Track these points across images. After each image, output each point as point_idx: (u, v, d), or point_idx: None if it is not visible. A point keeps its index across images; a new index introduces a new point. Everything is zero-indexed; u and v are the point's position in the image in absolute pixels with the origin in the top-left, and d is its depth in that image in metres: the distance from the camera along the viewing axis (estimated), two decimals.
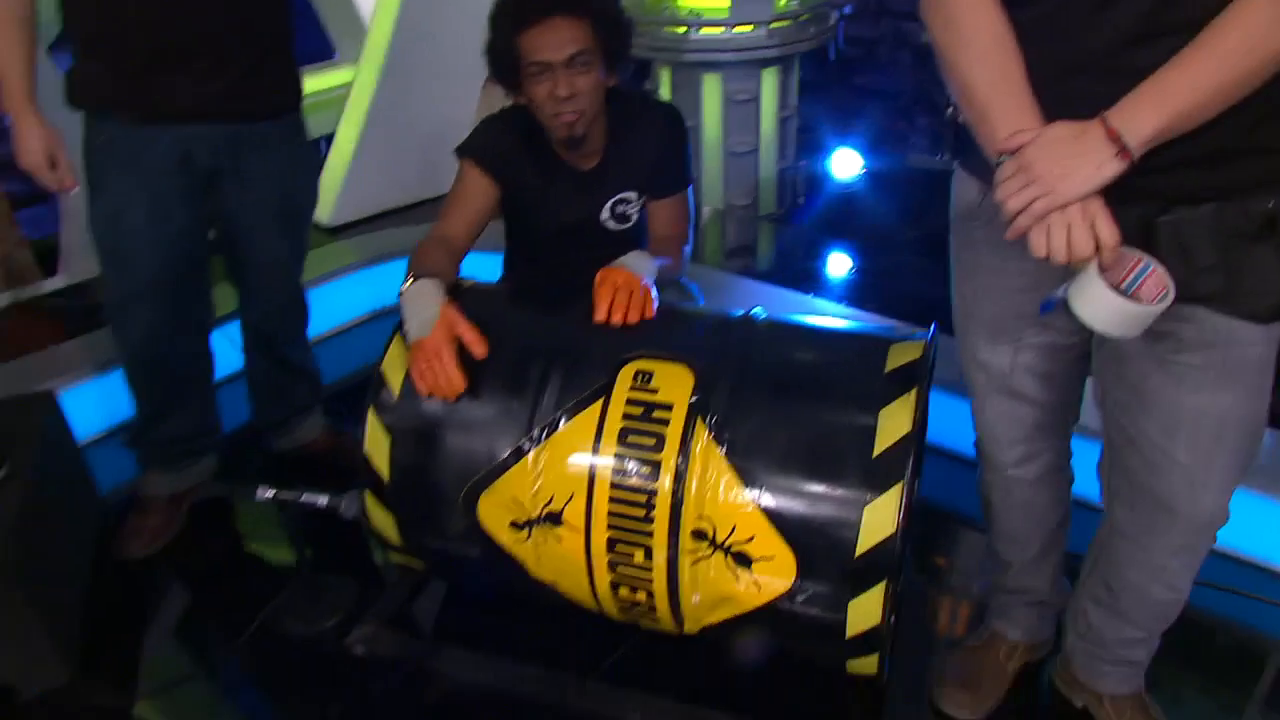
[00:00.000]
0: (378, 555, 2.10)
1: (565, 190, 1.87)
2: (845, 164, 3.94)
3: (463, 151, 1.85)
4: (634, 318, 1.57)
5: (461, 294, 1.66)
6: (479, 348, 1.51)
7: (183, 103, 1.83)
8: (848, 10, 4.61)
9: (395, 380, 1.61)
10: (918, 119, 4.68)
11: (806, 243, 3.65)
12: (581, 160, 1.85)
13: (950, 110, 1.21)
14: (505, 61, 1.72)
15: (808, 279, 3.29)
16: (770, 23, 3.11)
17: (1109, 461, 1.37)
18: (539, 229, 1.93)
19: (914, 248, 3.41)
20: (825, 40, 3.49)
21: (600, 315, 1.57)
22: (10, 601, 1.65)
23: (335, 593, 1.97)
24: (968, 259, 1.36)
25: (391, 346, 1.64)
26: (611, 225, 1.92)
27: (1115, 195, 1.01)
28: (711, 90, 3.35)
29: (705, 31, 3.16)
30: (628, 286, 1.60)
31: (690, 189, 1.96)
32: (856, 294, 3.25)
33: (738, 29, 3.12)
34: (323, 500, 1.80)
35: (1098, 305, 1.02)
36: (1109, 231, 1.01)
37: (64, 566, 1.93)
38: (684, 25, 3.18)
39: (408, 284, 1.58)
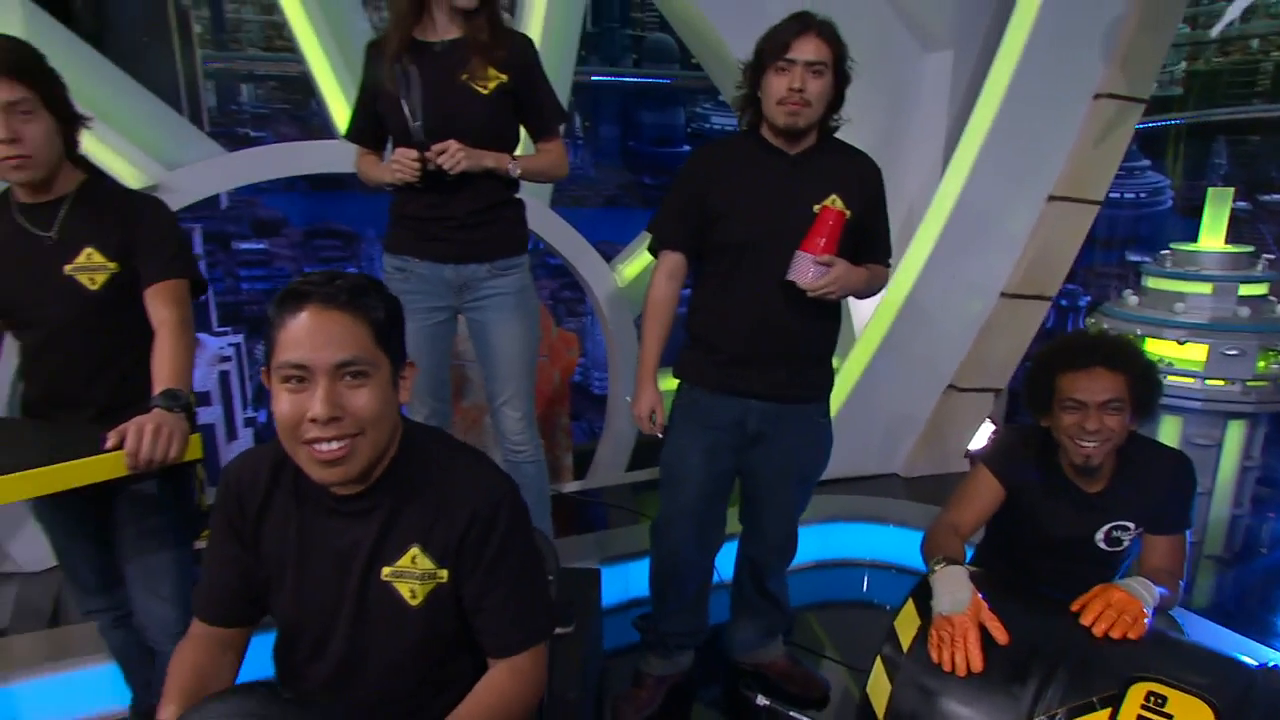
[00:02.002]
0: None
1: (1066, 508, 1.94)
2: None
3: (984, 459, 2.02)
4: (1117, 634, 1.58)
5: (976, 581, 1.78)
6: (1002, 636, 1.60)
7: (751, 387, 2.15)
8: None
9: (905, 637, 1.74)
10: None
11: (1260, 589, 3.25)
12: (1088, 484, 1.91)
13: None
14: (1042, 391, 1.88)
15: (1251, 623, 2.93)
16: (1248, 381, 3.03)
17: None
18: (1031, 535, 1.99)
19: None
20: None
21: (1087, 620, 1.61)
22: None
23: None
24: None
25: (905, 607, 1.79)
26: (1103, 546, 1.94)
27: None
28: (1169, 431, 3.28)
29: (1174, 379, 3.16)
30: (1122, 605, 1.63)
31: (1189, 532, 1.96)
32: None
33: (1210, 382, 3.08)
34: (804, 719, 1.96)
35: None
36: None
37: (587, 712, 2.26)
38: None
39: (941, 565, 1.72)
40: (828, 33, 1.99)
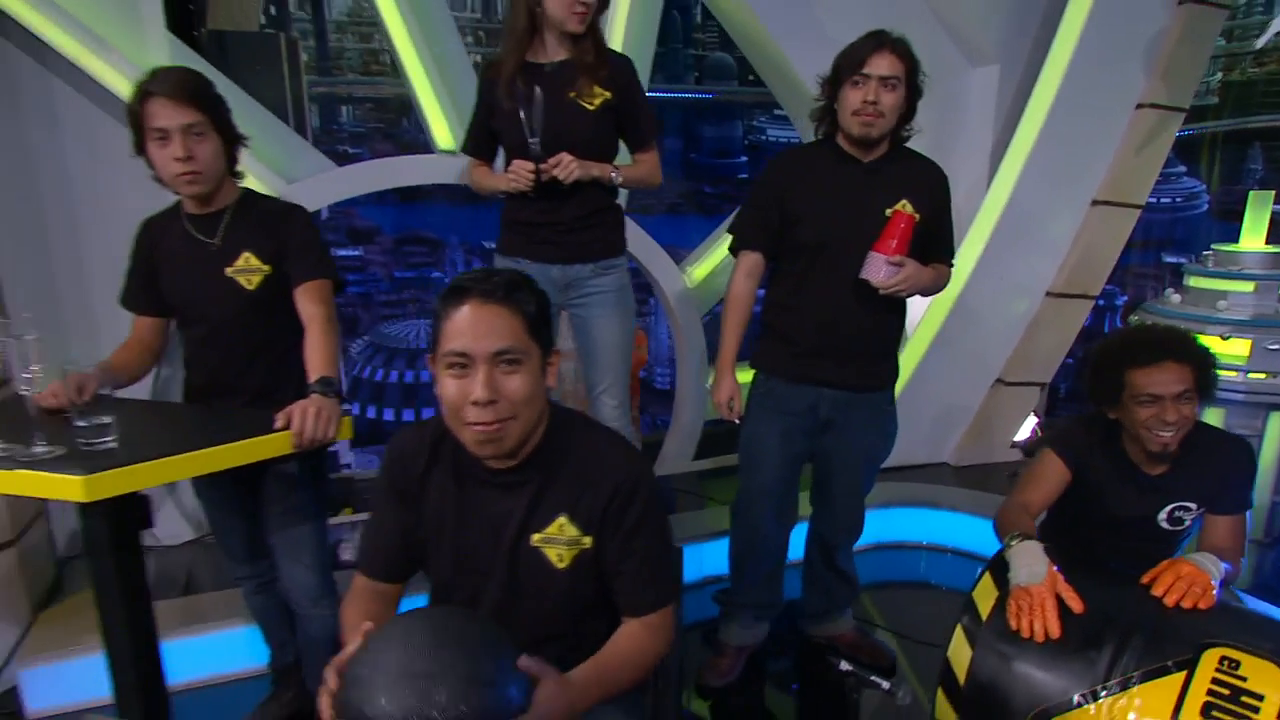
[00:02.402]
0: None
1: (1130, 490, 1.98)
2: None
3: (1051, 444, 2.04)
4: (1188, 604, 1.63)
5: (1050, 555, 1.82)
6: (1077, 605, 1.65)
7: (824, 376, 2.22)
8: None
9: (984, 607, 1.78)
10: None
11: None
12: (1151, 467, 1.95)
13: None
14: (1111, 386, 1.90)
15: None
16: None
17: None
18: (1097, 515, 2.03)
19: None
20: None
21: (1158, 591, 1.66)
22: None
23: None
24: None
25: (983, 580, 1.84)
26: (1165, 526, 1.99)
27: None
28: (1212, 422, 3.27)
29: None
30: (1191, 578, 1.67)
31: (1250, 513, 1.99)
32: None
33: (1252, 375, 3.07)
34: (885, 684, 2.00)
35: None
36: None
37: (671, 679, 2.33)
38: None
39: (1017, 540, 1.76)
40: (901, 49, 2.05)
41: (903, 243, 2.06)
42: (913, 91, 2.10)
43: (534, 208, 2.24)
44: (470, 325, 1.23)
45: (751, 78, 4.24)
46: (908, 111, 2.12)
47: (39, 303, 2.66)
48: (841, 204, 2.13)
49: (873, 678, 2.01)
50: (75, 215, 2.71)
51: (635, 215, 3.44)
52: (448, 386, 1.26)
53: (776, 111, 4.30)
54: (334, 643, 2.14)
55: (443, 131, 2.96)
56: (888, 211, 2.09)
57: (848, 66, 2.06)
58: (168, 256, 1.90)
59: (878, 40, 2.04)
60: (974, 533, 3.28)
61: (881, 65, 2.02)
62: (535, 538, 1.34)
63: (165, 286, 1.92)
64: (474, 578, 1.38)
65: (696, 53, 4.14)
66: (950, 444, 3.75)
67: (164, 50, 2.62)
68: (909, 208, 2.09)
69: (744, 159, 4.21)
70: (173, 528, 2.95)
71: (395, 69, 3.04)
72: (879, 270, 2.07)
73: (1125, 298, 4.49)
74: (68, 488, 1.40)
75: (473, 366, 1.23)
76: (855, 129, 2.08)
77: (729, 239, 2.32)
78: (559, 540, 1.34)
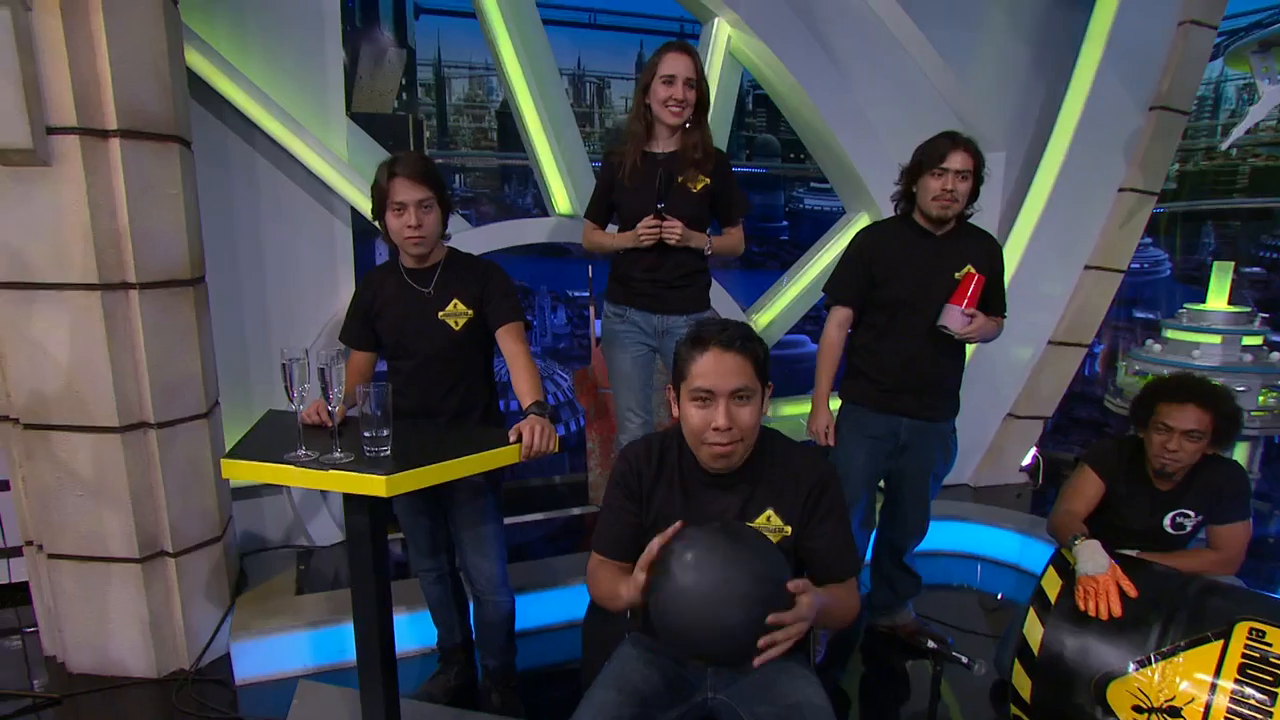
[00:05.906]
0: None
1: (1143, 500, 2.23)
2: None
3: (1087, 461, 2.30)
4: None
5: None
6: (1133, 590, 1.91)
7: (903, 408, 2.45)
8: None
9: (1051, 594, 2.03)
10: None
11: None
12: (1162, 484, 2.20)
13: None
14: (1145, 410, 2.16)
15: None
16: (1252, 411, 3.32)
17: None
18: (1115, 521, 2.26)
19: None
20: None
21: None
22: None
23: None
24: None
25: (1048, 572, 2.07)
26: (1169, 531, 2.24)
27: None
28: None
29: None
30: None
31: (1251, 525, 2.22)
32: None
33: None
34: (965, 658, 2.23)
35: None
36: None
37: None
38: None
39: (1082, 540, 2.00)
40: (972, 148, 2.32)
41: (974, 299, 2.32)
42: (977, 181, 2.36)
43: (639, 265, 2.46)
44: (714, 367, 1.41)
45: (793, 155, 4.57)
46: (973, 196, 2.39)
47: (231, 330, 2.86)
48: (919, 269, 2.37)
49: (954, 653, 2.24)
50: (261, 258, 2.93)
51: None
52: (692, 414, 1.45)
53: (813, 184, 4.63)
54: (508, 623, 2.34)
55: (562, 199, 3.23)
56: (957, 275, 2.34)
57: (930, 161, 2.30)
58: (388, 302, 2.09)
59: (954, 141, 2.30)
60: (991, 541, 3.54)
61: (957, 160, 2.28)
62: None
63: (383, 327, 2.10)
64: None
65: (747, 134, 4.48)
66: (970, 468, 4.01)
67: (342, 131, 2.88)
68: (973, 271, 2.35)
69: (785, 223, 4.52)
70: (325, 531, 3.13)
71: (501, 144, 3.31)
72: (955, 320, 2.32)
73: (1102, 346, 4.83)
74: (373, 485, 1.61)
75: (714, 400, 1.41)
76: (934, 210, 2.33)
77: (789, 292, 2.57)
78: (767, 529, 1.52)
